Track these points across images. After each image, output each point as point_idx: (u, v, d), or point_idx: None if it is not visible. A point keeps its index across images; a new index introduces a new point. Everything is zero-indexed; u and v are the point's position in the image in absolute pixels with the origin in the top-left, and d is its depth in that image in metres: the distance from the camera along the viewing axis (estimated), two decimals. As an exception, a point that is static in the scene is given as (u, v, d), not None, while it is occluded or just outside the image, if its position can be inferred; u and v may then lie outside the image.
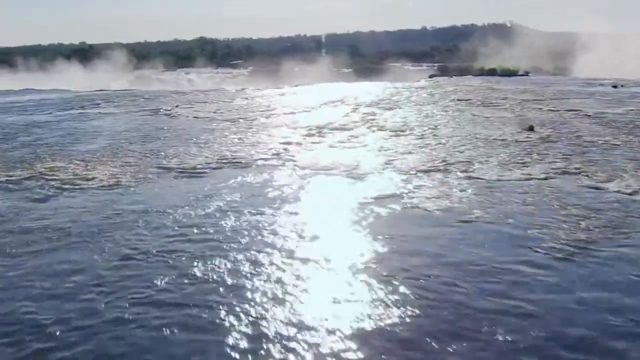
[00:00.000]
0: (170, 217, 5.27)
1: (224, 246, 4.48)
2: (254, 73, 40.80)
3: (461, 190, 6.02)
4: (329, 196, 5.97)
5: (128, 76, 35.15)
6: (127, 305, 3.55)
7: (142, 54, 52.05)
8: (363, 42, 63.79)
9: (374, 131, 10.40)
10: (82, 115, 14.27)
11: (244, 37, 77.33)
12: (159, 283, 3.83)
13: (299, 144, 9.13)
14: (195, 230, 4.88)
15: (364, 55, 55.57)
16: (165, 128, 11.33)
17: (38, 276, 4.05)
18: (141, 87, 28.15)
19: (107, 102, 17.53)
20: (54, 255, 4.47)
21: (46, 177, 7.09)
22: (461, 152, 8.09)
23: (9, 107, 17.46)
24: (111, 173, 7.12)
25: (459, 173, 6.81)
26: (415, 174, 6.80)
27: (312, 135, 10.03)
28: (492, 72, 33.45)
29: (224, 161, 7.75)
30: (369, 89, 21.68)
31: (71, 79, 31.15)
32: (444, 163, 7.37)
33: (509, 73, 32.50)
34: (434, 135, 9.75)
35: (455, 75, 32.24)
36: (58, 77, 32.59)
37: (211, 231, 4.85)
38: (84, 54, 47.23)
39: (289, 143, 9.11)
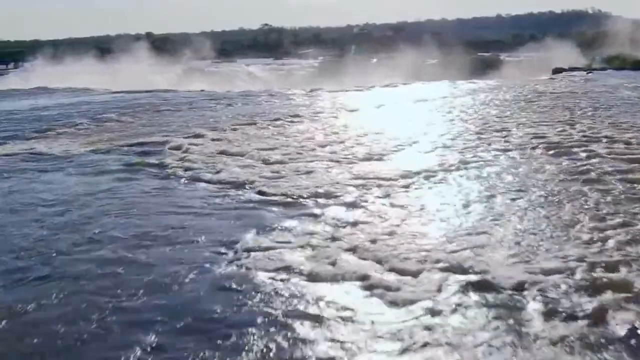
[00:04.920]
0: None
1: None
2: (325, 64, 32.56)
3: None
4: None
5: (176, 69, 27.78)
6: None
7: (203, 43, 44.89)
8: (436, 31, 55.00)
9: None
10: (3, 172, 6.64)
11: (311, 26, 69.44)
12: None
13: None
14: None
15: (446, 44, 46.14)
16: (126, 285, 3.47)
17: None
18: (184, 84, 20.67)
19: (96, 123, 9.96)
20: None
21: None
22: None
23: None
24: None
25: None
26: None
27: None
28: (636, 66, 23.79)
29: None
30: (504, 96, 13.27)
31: (105, 74, 24.12)
32: None
33: (661, 68, 22.83)
34: None
35: (592, 70, 23.01)
36: (96, 70, 25.70)
37: None
38: (141, 44, 40.46)
39: None
